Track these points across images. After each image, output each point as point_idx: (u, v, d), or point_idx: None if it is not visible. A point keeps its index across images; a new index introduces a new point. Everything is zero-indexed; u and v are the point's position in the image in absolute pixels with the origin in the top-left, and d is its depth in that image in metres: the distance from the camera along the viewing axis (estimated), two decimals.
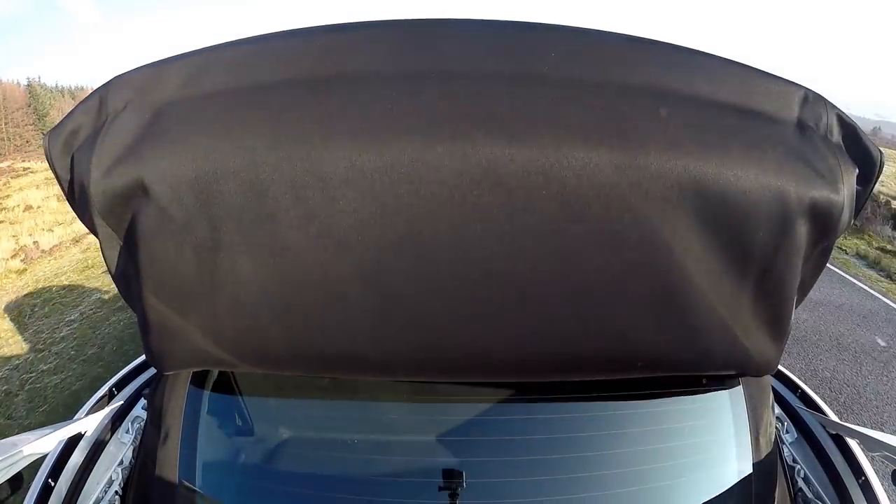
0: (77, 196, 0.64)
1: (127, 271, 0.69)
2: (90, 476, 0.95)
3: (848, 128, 0.69)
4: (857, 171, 0.66)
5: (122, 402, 1.13)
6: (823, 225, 0.65)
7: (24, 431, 0.89)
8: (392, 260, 0.62)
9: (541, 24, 0.71)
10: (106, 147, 0.61)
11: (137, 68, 0.67)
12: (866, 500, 0.92)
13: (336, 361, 0.72)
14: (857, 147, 0.69)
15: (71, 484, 0.92)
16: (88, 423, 1.02)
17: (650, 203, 0.59)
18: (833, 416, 1.11)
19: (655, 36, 0.78)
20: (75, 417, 1.04)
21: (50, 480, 0.90)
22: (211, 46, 0.70)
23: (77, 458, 0.97)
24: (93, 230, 0.66)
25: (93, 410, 1.09)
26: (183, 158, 0.60)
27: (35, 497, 0.87)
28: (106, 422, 1.06)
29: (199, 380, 0.87)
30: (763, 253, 0.64)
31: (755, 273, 0.65)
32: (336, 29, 0.70)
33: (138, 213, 0.62)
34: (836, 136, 0.68)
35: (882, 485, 0.94)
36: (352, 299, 0.64)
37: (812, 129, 0.67)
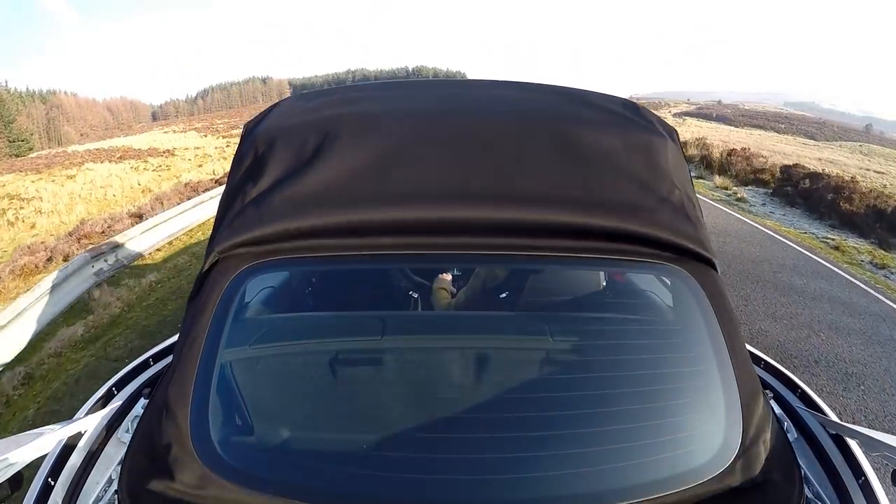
0: (248, 139, 1.18)
1: (246, 173, 1.11)
2: (90, 475, 0.95)
3: (650, 112, 1.28)
4: (664, 129, 1.23)
5: (121, 401, 1.13)
6: (655, 147, 1.15)
7: (23, 431, 0.89)
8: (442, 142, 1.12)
9: (476, 80, 1.40)
10: (268, 119, 1.22)
11: (290, 97, 1.42)
12: (866, 500, 0.91)
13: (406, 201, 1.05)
14: (658, 120, 1.26)
15: (70, 483, 0.92)
16: (88, 423, 1.02)
17: (546, 135, 1.13)
18: (833, 416, 1.11)
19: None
20: (75, 417, 1.04)
21: (49, 480, 0.90)
22: (331, 88, 1.39)
23: (77, 457, 0.96)
24: (240, 156, 1.16)
25: (92, 410, 1.09)
26: (306, 122, 1.16)
27: (35, 497, 0.87)
28: (106, 421, 1.06)
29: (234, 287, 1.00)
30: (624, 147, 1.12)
31: (633, 159, 1.11)
32: (390, 84, 1.40)
33: (276, 141, 1.13)
34: (646, 115, 1.26)
35: (882, 485, 0.94)
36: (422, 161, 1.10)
37: (632, 111, 1.25)
